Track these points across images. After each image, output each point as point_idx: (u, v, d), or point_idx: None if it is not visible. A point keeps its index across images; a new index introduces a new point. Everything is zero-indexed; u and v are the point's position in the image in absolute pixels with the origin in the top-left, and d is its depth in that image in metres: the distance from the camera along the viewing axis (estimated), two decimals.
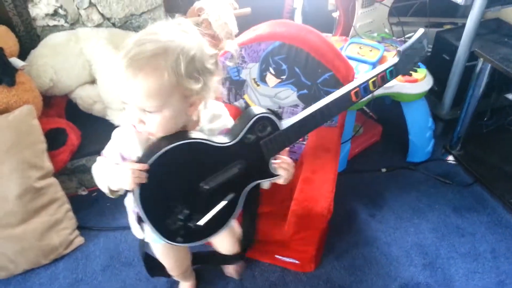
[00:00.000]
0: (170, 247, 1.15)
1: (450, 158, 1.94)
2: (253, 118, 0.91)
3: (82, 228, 1.66)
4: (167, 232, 0.95)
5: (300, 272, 1.51)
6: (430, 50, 2.00)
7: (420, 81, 1.71)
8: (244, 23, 1.83)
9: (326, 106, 0.99)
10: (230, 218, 0.99)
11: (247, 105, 1.28)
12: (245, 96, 1.53)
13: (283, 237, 1.37)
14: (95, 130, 1.79)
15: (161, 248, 1.18)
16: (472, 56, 1.73)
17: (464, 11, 2.36)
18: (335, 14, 2.07)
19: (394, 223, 1.69)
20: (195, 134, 0.89)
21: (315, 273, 1.51)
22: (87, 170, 1.78)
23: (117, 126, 1.57)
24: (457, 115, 1.90)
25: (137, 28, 1.95)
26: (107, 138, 1.89)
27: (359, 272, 1.52)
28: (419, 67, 1.13)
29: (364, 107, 2.05)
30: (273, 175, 0.97)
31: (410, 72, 1.11)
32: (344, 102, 1.01)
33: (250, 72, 1.48)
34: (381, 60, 1.74)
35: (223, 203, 0.96)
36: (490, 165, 1.85)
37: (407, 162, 1.94)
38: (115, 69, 0.81)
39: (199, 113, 0.93)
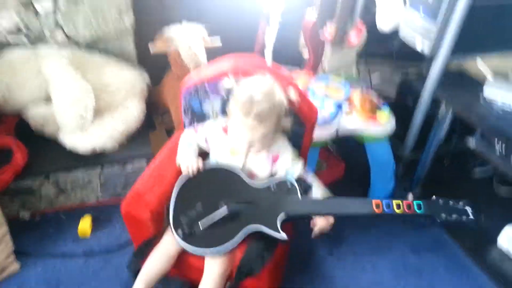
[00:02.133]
0: (166, 246, 1.27)
1: None
2: (283, 178, 1.23)
3: (19, 253, 1.54)
4: (176, 221, 1.19)
5: None
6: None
7: (383, 123, 1.72)
8: (214, 55, 1.82)
9: (343, 200, 1.18)
10: (223, 244, 1.14)
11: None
12: None
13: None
14: (46, 151, 1.71)
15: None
16: (435, 102, 1.77)
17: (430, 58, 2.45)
18: (305, 53, 2.09)
19: (352, 260, 1.65)
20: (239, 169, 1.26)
21: None
22: (32, 192, 1.68)
23: (68, 151, 1.64)
24: (418, 157, 1.92)
25: (103, 51, 1.91)
26: (57, 160, 1.80)
27: None
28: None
29: (328, 145, 2.05)
30: (275, 229, 1.15)
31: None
32: (363, 207, 1.15)
33: (213, 105, 1.45)
34: (347, 99, 1.75)
35: (219, 214, 1.17)
36: None
37: None
38: (236, 120, 1.19)
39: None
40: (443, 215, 1.13)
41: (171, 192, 1.32)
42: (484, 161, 2.00)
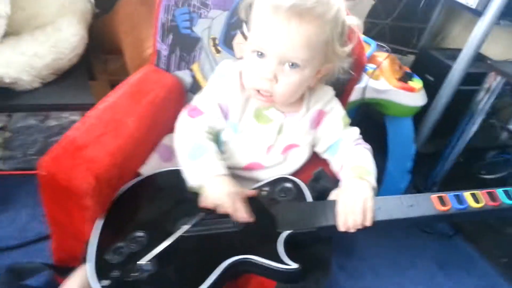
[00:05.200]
0: None
1: None
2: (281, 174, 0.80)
3: None
4: (101, 264, 0.66)
5: None
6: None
7: (417, 91, 1.33)
8: None
9: (384, 201, 0.70)
10: None
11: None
12: (194, 66, 0.96)
13: None
14: None
15: None
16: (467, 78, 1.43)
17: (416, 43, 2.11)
18: None
19: (371, 279, 1.21)
20: None
21: None
22: None
23: None
24: (435, 149, 1.57)
25: None
26: None
27: None
28: None
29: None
30: (276, 259, 0.65)
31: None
32: (421, 206, 0.69)
33: (211, 26, 0.92)
34: (371, 59, 1.33)
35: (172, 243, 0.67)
36: None
37: None
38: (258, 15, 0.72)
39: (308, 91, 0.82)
40: None
41: (132, 150, 0.80)
42: (492, 166, 1.70)
